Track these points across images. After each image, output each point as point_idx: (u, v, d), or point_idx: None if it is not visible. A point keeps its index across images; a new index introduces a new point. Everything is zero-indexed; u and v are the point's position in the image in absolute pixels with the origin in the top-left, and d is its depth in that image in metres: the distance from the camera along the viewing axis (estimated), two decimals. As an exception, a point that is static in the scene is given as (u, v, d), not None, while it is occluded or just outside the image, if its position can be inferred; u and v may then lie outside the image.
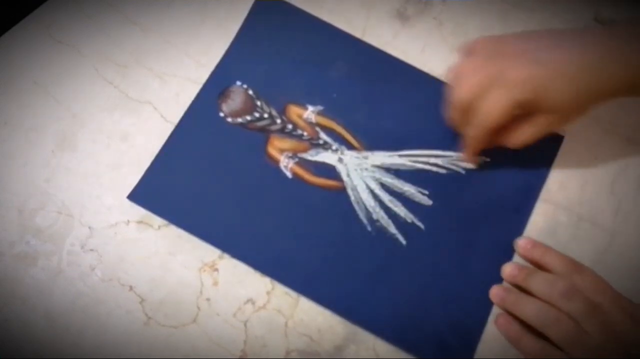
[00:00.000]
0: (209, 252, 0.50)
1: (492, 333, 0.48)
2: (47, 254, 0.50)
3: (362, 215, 0.50)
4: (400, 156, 0.52)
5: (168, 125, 0.54)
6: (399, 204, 0.51)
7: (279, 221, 0.50)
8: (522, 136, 0.47)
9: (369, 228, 0.50)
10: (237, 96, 0.54)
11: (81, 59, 0.56)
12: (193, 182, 0.51)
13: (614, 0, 0.57)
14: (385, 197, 0.51)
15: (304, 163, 0.52)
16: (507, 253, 0.49)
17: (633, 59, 0.43)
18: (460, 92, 0.46)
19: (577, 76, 0.44)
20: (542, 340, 0.45)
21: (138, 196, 0.51)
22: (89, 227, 0.51)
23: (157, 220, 0.51)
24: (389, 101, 0.54)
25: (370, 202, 0.51)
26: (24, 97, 0.55)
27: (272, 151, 0.52)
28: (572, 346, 0.44)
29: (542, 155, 0.52)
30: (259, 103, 0.53)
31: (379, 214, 0.50)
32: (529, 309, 0.46)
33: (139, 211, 0.51)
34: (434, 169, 0.52)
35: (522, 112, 0.46)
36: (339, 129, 0.53)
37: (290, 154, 0.52)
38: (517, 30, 0.56)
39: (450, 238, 0.50)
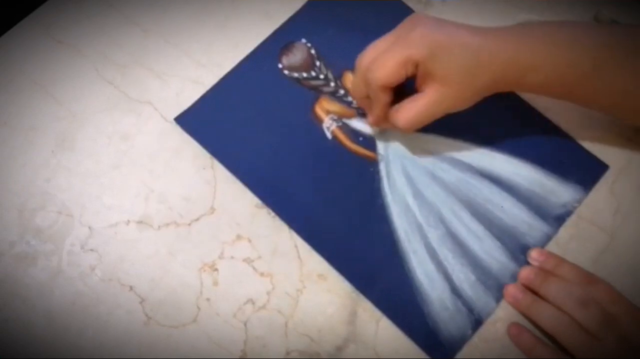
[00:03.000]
0: (209, 252, 0.50)
1: (493, 331, 0.48)
2: (47, 254, 0.50)
3: (388, 190, 0.51)
4: (440, 144, 0.53)
5: (168, 125, 0.54)
6: (430, 183, 0.51)
7: (308, 175, 0.52)
8: (409, 112, 0.46)
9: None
10: (299, 52, 0.56)
11: (81, 59, 0.56)
12: (238, 120, 0.54)
13: (614, 0, 0.57)
14: (417, 179, 0.52)
15: (346, 129, 0.53)
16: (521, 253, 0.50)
17: (528, 58, 0.44)
18: (365, 53, 0.47)
19: (477, 50, 0.44)
20: (556, 349, 0.45)
21: (185, 120, 0.53)
22: (89, 227, 0.51)
23: (157, 220, 0.51)
24: None
25: (400, 180, 0.51)
26: (24, 97, 0.55)
27: (319, 110, 0.54)
28: (585, 355, 0.43)
29: None
30: (318, 63, 0.55)
31: (406, 190, 0.51)
32: (543, 314, 0.45)
33: (139, 211, 0.51)
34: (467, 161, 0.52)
35: (413, 74, 0.46)
36: None
37: (335, 117, 0.54)
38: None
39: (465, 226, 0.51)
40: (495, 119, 0.53)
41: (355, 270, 0.49)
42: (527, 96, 0.55)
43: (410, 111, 0.47)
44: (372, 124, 0.52)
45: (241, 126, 0.54)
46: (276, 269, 0.50)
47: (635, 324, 0.43)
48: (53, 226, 0.51)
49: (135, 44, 0.57)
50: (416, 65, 0.45)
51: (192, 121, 0.54)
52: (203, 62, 0.56)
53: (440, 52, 0.44)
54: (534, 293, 0.47)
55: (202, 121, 0.54)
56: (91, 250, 0.50)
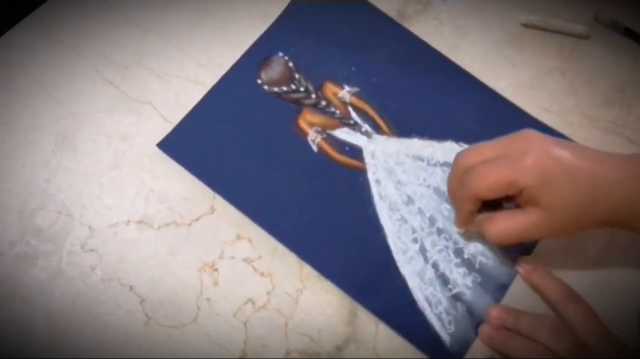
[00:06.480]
0: (209, 252, 0.50)
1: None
2: (47, 254, 0.50)
3: (378, 198, 0.51)
4: (428, 147, 0.53)
5: (168, 125, 0.54)
6: (420, 188, 0.51)
7: (297, 190, 0.51)
8: (503, 227, 0.43)
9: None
10: (277, 66, 0.55)
11: (81, 59, 0.56)
12: (221, 140, 0.53)
13: (614, 1, 0.57)
14: (407, 184, 0.51)
15: (331, 140, 0.53)
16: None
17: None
18: (468, 154, 0.45)
19: (593, 184, 0.41)
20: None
21: (167, 145, 0.53)
22: (89, 227, 0.51)
23: (157, 220, 0.51)
24: (426, 92, 0.55)
25: (390, 187, 0.51)
26: (24, 97, 0.55)
27: (303, 123, 0.53)
28: None
29: None
30: (297, 76, 0.55)
31: (396, 197, 0.51)
32: (516, 347, 0.45)
33: (139, 211, 0.51)
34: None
35: (514, 195, 0.43)
36: (372, 113, 0.54)
37: (319, 129, 0.53)
38: (516, 29, 0.56)
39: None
40: (481, 118, 0.53)
41: (352, 282, 0.49)
42: (516, 99, 0.55)
43: (506, 227, 0.43)
44: (457, 227, 0.49)
45: (225, 146, 0.53)
46: (276, 269, 0.50)
47: (606, 352, 0.42)
48: (53, 226, 0.51)
49: (135, 44, 0.57)
50: (520, 189, 0.42)
51: (174, 145, 0.53)
52: (203, 62, 0.56)
53: (551, 183, 0.41)
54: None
55: (185, 145, 0.53)
56: (91, 250, 0.50)
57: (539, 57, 0.56)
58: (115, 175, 0.52)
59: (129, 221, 0.51)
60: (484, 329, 0.47)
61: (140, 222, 0.51)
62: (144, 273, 0.49)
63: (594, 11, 0.57)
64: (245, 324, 0.48)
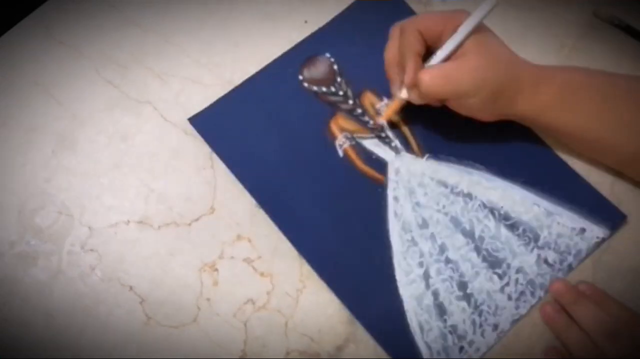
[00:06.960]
0: (209, 252, 0.50)
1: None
2: (47, 254, 0.50)
3: (393, 216, 0.50)
4: (454, 175, 0.51)
5: (168, 125, 0.54)
6: (438, 215, 0.50)
7: (314, 191, 0.51)
8: (436, 71, 0.46)
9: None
10: (321, 66, 0.55)
11: (81, 59, 0.56)
12: (251, 126, 0.53)
13: (612, 1, 0.57)
14: (425, 207, 0.51)
15: (359, 148, 0.53)
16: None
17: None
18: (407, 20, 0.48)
19: (513, 57, 0.48)
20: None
21: (199, 121, 0.53)
22: (89, 227, 0.51)
23: (157, 220, 0.51)
24: (465, 118, 0.50)
25: (407, 207, 0.51)
26: (24, 97, 0.55)
27: (334, 126, 0.53)
28: None
29: None
30: (339, 79, 0.55)
31: (412, 219, 0.50)
32: (574, 340, 0.45)
33: (139, 211, 0.51)
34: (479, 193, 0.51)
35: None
36: (405, 130, 0.53)
37: (349, 136, 0.53)
38: (516, 31, 0.56)
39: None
40: (512, 154, 0.52)
41: (350, 292, 0.48)
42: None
43: (438, 70, 0.46)
44: (407, 85, 0.48)
45: (253, 133, 0.53)
46: (276, 269, 0.50)
47: None
48: (53, 226, 0.51)
49: (135, 44, 0.57)
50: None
51: (205, 122, 0.53)
52: (203, 62, 0.56)
53: (485, 34, 0.47)
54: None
55: (216, 124, 0.53)
56: (91, 250, 0.50)
57: (539, 57, 0.56)
58: (115, 175, 0.52)
59: (129, 221, 0.51)
60: (547, 308, 0.47)
61: (140, 222, 0.51)
62: (144, 272, 0.49)
63: (593, 11, 0.57)
64: (245, 324, 0.48)
